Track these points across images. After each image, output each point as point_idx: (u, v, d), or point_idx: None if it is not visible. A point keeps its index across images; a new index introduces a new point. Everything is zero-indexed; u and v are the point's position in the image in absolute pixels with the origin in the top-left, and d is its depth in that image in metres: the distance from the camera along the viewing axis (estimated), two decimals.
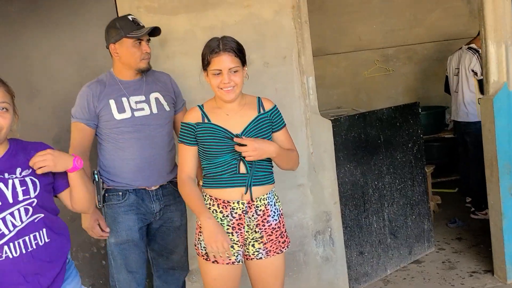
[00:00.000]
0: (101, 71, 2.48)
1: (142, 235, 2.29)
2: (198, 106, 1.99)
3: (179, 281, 2.47)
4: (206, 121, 1.94)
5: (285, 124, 2.06)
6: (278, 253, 2.02)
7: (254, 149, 1.87)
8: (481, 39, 2.78)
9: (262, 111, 2.01)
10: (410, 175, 3.39)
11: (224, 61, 1.87)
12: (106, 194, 2.24)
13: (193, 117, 1.95)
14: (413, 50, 5.34)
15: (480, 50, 3.43)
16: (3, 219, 1.51)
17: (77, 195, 1.70)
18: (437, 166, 4.62)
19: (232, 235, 1.94)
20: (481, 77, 3.54)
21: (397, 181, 3.31)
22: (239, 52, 1.91)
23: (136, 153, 2.22)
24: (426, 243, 3.49)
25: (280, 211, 2.05)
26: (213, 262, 1.92)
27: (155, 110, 2.27)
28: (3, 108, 1.55)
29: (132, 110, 2.22)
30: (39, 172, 1.59)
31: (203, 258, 1.95)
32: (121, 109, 2.21)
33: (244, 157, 1.91)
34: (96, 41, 2.61)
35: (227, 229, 1.93)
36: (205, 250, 1.93)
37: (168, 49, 2.65)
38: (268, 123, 2.00)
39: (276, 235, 2.01)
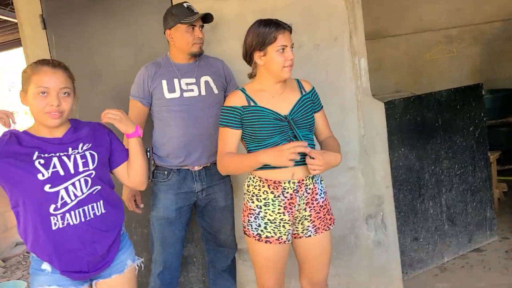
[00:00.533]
0: (156, 57, 2.60)
1: (181, 215, 2.40)
2: (240, 89, 2.01)
3: (228, 259, 2.57)
4: (252, 104, 1.95)
5: (322, 106, 2.09)
6: (326, 230, 2.05)
7: (322, 163, 1.85)
8: None
9: (304, 92, 2.03)
10: (471, 161, 3.24)
11: (288, 37, 1.91)
12: (155, 171, 2.40)
13: (238, 100, 1.96)
14: (479, 30, 5.03)
15: None
16: (66, 189, 1.64)
17: (135, 165, 1.82)
18: (504, 152, 4.35)
19: (284, 215, 1.96)
20: None
21: (456, 166, 3.18)
22: None
23: (180, 131, 2.33)
24: (488, 231, 3.32)
25: (324, 189, 2.07)
26: (265, 242, 1.96)
27: (203, 92, 2.37)
28: (65, 93, 1.68)
29: (182, 90, 2.34)
30: (105, 120, 1.74)
31: (255, 239, 1.98)
32: (171, 89, 2.34)
33: (294, 138, 1.92)
34: (152, 28, 2.73)
35: (279, 209, 1.95)
36: (256, 231, 1.96)
37: (219, 33, 2.71)
38: (310, 104, 2.03)
39: (323, 212, 2.04)
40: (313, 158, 1.85)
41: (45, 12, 2.82)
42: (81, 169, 1.68)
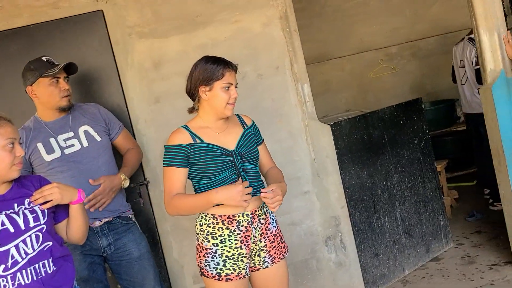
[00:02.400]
0: (98, 99, 2.57)
1: (94, 269, 2.26)
2: (183, 127, 1.98)
3: None
4: (198, 141, 1.94)
5: (263, 139, 2.13)
6: (281, 258, 2.05)
7: (280, 199, 1.88)
8: (473, 29, 2.76)
9: (245, 127, 2.06)
10: (420, 172, 3.35)
11: (234, 76, 1.95)
12: None
13: (183, 138, 1.94)
14: (416, 46, 5.31)
15: None
16: (17, 246, 1.58)
17: (76, 226, 1.77)
18: (452, 160, 4.54)
19: (241, 249, 1.95)
20: (477, 67, 3.51)
21: (406, 179, 3.28)
22: None
23: None
24: (443, 239, 3.43)
25: (275, 217, 2.09)
26: (226, 280, 1.92)
27: (85, 144, 2.27)
28: (20, 142, 1.68)
29: (62, 148, 2.24)
30: (45, 207, 1.66)
31: (215, 279, 1.93)
32: (50, 150, 2.23)
33: (242, 171, 1.93)
34: (92, 70, 2.71)
35: (236, 243, 1.94)
36: (215, 270, 1.93)
37: (162, 71, 2.72)
38: (253, 137, 2.06)
39: (277, 241, 2.05)
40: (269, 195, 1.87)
41: None
42: (32, 224, 1.62)
